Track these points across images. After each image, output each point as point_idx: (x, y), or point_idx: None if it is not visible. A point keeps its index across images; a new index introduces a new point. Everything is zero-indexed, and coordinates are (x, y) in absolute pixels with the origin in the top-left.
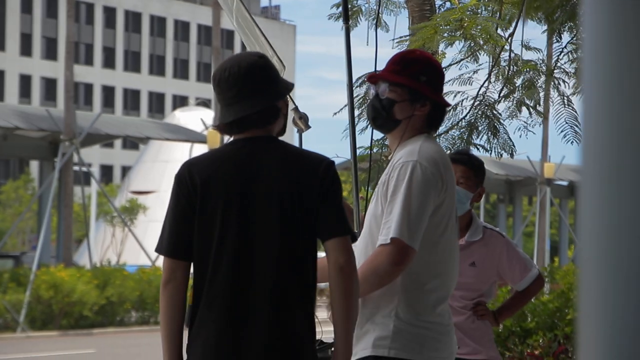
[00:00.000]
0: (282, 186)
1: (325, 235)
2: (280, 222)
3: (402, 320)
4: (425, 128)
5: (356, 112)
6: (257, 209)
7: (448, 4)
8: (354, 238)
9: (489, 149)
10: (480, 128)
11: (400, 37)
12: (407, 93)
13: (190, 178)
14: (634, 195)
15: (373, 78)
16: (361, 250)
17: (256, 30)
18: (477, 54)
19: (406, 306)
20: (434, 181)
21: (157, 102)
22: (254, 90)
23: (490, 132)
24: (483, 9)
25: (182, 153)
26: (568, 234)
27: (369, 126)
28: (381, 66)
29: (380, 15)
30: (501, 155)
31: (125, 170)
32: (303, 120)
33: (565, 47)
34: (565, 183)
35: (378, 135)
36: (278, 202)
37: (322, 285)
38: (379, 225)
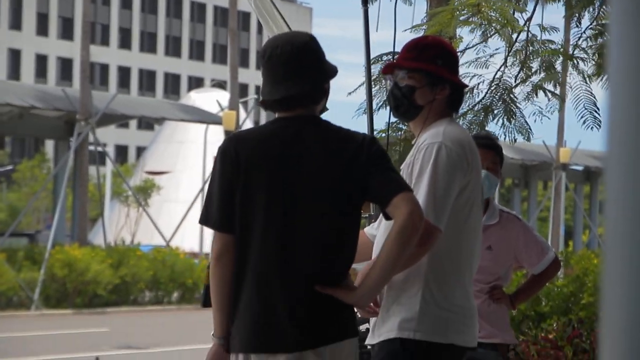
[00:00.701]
0: (328, 165)
1: (388, 197)
2: (326, 200)
3: (428, 302)
4: (447, 110)
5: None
6: (303, 188)
7: None
8: (388, 217)
9: (504, 133)
10: (496, 112)
11: (415, 25)
12: (425, 78)
13: (235, 154)
14: None
15: (389, 67)
16: (383, 234)
17: (274, 11)
18: (494, 37)
19: (432, 288)
20: (460, 162)
21: (172, 83)
22: (304, 70)
23: (506, 116)
24: None
25: (196, 134)
26: (583, 219)
27: (386, 108)
28: (399, 48)
29: None
30: (516, 140)
31: (140, 150)
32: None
33: (584, 32)
34: (580, 168)
35: (394, 118)
36: (323, 181)
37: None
38: None
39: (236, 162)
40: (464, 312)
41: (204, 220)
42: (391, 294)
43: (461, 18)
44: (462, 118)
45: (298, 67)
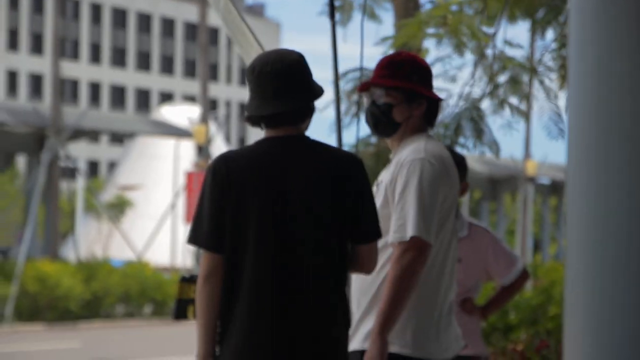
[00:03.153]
0: (319, 184)
1: (359, 238)
2: (315, 220)
3: (413, 315)
4: (424, 125)
5: (343, 109)
6: (295, 208)
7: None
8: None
9: (474, 149)
10: (466, 132)
11: (383, 38)
12: (402, 95)
13: (227, 173)
14: (619, 191)
15: (365, 85)
16: None
17: (243, 27)
18: (461, 49)
19: (417, 300)
20: (442, 177)
21: (143, 98)
22: (294, 88)
23: (475, 136)
24: (467, 7)
25: (167, 149)
26: (550, 232)
27: (355, 123)
28: (368, 62)
29: (366, 8)
30: (484, 153)
31: (112, 165)
32: None
33: (549, 45)
34: (547, 181)
35: (363, 132)
36: (315, 201)
37: None
38: (384, 223)
39: (227, 182)
40: (442, 323)
41: (193, 240)
42: (362, 305)
43: (428, 30)
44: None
45: (288, 85)
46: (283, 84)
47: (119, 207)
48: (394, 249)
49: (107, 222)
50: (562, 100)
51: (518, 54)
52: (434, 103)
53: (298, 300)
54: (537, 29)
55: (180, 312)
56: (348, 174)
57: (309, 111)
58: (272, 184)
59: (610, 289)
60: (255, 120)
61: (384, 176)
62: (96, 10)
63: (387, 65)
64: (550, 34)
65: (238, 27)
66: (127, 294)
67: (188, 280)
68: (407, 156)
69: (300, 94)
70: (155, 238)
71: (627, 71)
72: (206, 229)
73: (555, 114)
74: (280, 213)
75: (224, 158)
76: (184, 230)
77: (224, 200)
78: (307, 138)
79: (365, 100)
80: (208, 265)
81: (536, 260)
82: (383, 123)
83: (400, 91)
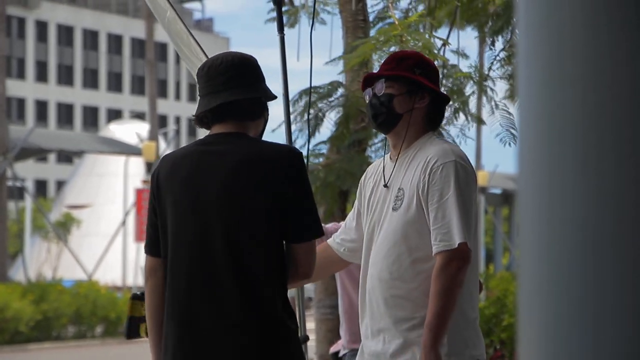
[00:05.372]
0: (238, 187)
1: (293, 237)
2: (236, 218)
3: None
4: (428, 124)
5: (293, 127)
6: (212, 212)
7: (382, 13)
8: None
9: None
10: None
11: (338, 57)
12: (404, 86)
13: (155, 174)
14: (571, 200)
15: (368, 79)
16: (392, 258)
17: (191, 41)
18: None
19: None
20: (473, 180)
21: (91, 116)
22: (244, 82)
23: None
24: (421, 26)
25: (117, 166)
26: (502, 242)
27: (304, 138)
28: (316, 77)
29: (315, 19)
30: None
31: (60, 184)
32: None
33: (498, 54)
34: (498, 191)
35: (313, 145)
36: (235, 198)
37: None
38: (417, 230)
39: (155, 183)
40: (479, 328)
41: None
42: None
43: (385, 49)
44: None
45: (238, 78)
46: (232, 76)
47: (66, 226)
48: (438, 258)
49: (57, 242)
50: (513, 109)
51: (467, 64)
52: (439, 101)
53: (209, 306)
54: (485, 39)
55: (133, 330)
56: (278, 174)
57: (260, 109)
58: (189, 184)
59: (565, 297)
60: (202, 118)
61: (402, 182)
62: (42, 28)
63: (391, 61)
64: (500, 44)
65: (185, 43)
66: (79, 314)
67: (139, 297)
68: (435, 160)
69: (250, 88)
70: (105, 257)
71: (577, 75)
72: (145, 231)
73: (506, 120)
74: (196, 216)
75: (161, 160)
76: (134, 248)
77: (154, 202)
78: (245, 136)
79: (367, 96)
80: (146, 269)
81: (489, 271)
82: (383, 114)
83: (401, 82)
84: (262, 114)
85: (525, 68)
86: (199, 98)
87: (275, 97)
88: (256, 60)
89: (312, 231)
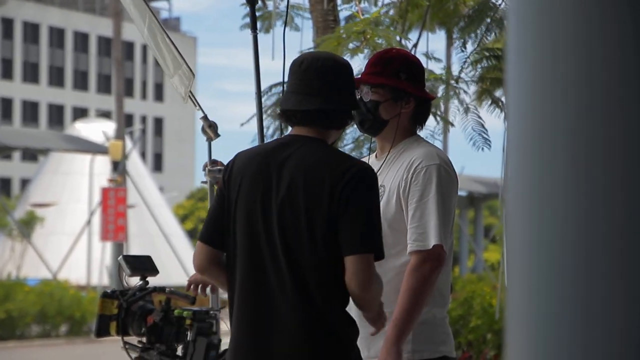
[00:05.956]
0: (304, 194)
1: (346, 250)
2: (298, 223)
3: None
4: (414, 125)
5: (265, 124)
6: (276, 217)
7: (352, 14)
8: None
9: None
10: None
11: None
12: (389, 92)
13: (228, 169)
14: (561, 197)
15: (355, 83)
16: None
17: (166, 38)
18: None
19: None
20: (455, 184)
21: (56, 114)
22: (340, 89)
23: None
24: (386, 21)
25: (82, 165)
26: (468, 244)
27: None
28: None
29: (288, 19)
30: None
31: (25, 182)
32: (212, 129)
33: (469, 56)
34: (464, 193)
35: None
36: (299, 204)
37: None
38: (392, 227)
39: (227, 177)
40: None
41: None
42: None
43: (349, 45)
44: (356, 142)
45: (334, 84)
46: (329, 83)
47: (30, 224)
48: (412, 257)
49: (21, 240)
50: (482, 112)
51: (438, 66)
52: (425, 102)
53: (278, 310)
54: (455, 41)
55: (102, 328)
56: (350, 181)
57: (345, 118)
58: (259, 184)
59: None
60: (290, 116)
61: (385, 179)
62: (7, 25)
63: (376, 62)
64: (470, 46)
65: (159, 39)
66: (43, 313)
67: (110, 295)
68: (419, 161)
69: (343, 96)
70: (70, 256)
71: (567, 73)
72: (205, 222)
73: (478, 124)
74: (262, 218)
75: (235, 156)
76: (99, 247)
77: (223, 196)
78: (320, 141)
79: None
80: (203, 257)
81: (454, 273)
82: (370, 120)
83: (387, 89)
84: (347, 124)
85: (515, 69)
86: (285, 91)
87: (358, 107)
88: (352, 68)
89: (366, 246)
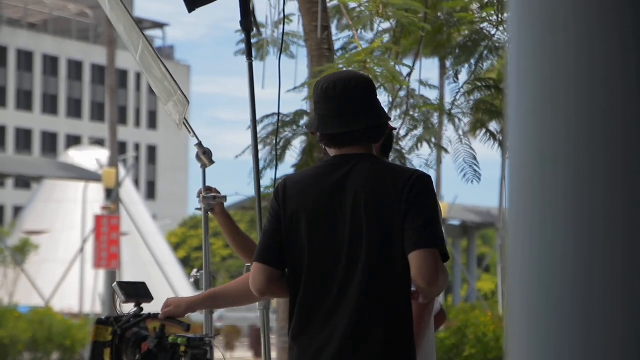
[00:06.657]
0: (375, 205)
1: (410, 247)
2: (373, 244)
3: None
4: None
5: (261, 155)
6: (341, 229)
7: (348, 43)
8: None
9: None
10: None
11: (300, 84)
12: None
13: (280, 192)
14: (563, 225)
15: None
16: None
17: (161, 66)
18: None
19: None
20: None
21: (50, 142)
22: (375, 104)
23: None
24: (387, 55)
25: (75, 193)
26: (461, 274)
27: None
28: (284, 107)
29: (284, 51)
30: None
31: (18, 210)
32: (207, 156)
33: (462, 87)
34: (457, 222)
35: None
36: (362, 223)
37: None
38: None
39: (282, 201)
40: None
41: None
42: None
43: None
44: None
45: (370, 100)
46: (366, 99)
47: (24, 251)
48: None
49: (14, 267)
50: (475, 144)
51: (434, 95)
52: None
53: (350, 319)
54: (448, 71)
55: (97, 355)
56: (398, 192)
57: (384, 131)
58: (320, 204)
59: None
60: (334, 139)
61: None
62: (1, 53)
63: None
64: (464, 76)
65: (153, 68)
66: (35, 341)
67: (104, 322)
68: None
69: (380, 111)
70: (63, 284)
71: (567, 104)
72: (260, 244)
73: (470, 156)
74: (327, 233)
75: (285, 178)
76: (92, 275)
77: (278, 219)
78: (373, 156)
79: None
80: (261, 277)
81: (447, 302)
82: None
83: None
84: (379, 135)
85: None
86: (319, 116)
87: (389, 118)
88: (372, 83)
89: (431, 241)
